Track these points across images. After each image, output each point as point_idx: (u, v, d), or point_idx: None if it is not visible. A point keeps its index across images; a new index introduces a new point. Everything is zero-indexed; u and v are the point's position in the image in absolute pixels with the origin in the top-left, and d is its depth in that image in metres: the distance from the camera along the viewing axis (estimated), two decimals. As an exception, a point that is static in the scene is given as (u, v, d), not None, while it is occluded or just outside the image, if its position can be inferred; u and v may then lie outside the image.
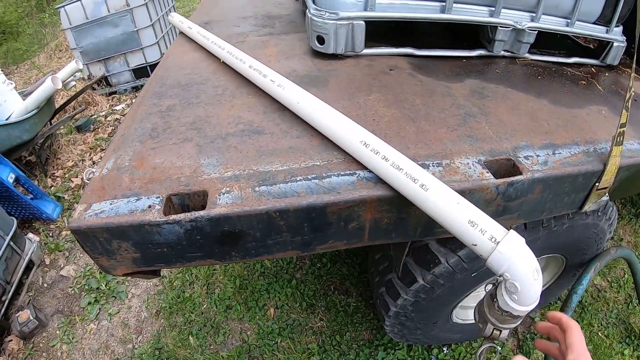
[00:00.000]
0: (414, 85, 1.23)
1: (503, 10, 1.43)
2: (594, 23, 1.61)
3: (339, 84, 1.21)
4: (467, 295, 1.53)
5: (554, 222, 1.33)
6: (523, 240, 0.68)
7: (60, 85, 2.96)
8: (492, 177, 0.88)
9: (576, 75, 1.55)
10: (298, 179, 0.82)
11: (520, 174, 0.94)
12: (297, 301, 2.26)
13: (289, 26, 1.73)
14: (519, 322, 0.73)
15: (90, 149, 3.73)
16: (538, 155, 1.03)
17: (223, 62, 1.37)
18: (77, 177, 3.37)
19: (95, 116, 4.15)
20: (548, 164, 1.01)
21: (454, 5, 1.37)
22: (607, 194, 1.18)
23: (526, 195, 0.96)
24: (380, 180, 0.81)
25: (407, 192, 0.74)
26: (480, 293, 1.67)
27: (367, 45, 1.41)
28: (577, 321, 2.10)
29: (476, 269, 1.31)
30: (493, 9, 1.41)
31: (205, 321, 2.23)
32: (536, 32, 1.49)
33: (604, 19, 1.60)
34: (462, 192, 0.83)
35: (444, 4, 1.35)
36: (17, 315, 2.26)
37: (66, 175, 3.41)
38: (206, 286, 2.42)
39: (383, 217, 0.84)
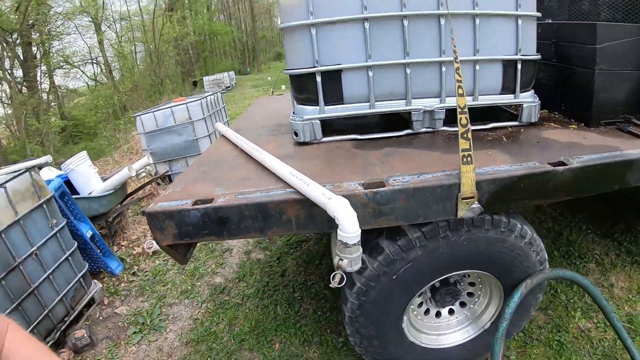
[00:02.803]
0: (344, 154, 2.00)
1: (414, 100, 2.00)
2: (501, 93, 2.03)
3: (301, 156, 2.03)
4: (405, 306, 1.84)
5: (450, 233, 1.64)
6: (346, 200, 1.38)
7: (134, 174, 4.05)
8: (361, 188, 1.55)
9: (490, 136, 1.98)
10: (256, 191, 1.59)
11: (384, 187, 1.53)
12: (298, 338, 2.76)
13: (288, 129, 2.56)
14: (354, 254, 1.34)
15: (150, 226, 4.68)
16: (404, 179, 1.56)
17: (240, 150, 2.24)
18: (138, 247, 4.26)
19: (157, 203, 5.19)
20: (409, 182, 1.53)
21: (377, 102, 2.06)
22: (477, 203, 1.50)
23: (394, 202, 1.51)
24: (296, 192, 1.54)
25: (304, 190, 1.47)
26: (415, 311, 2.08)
27: (326, 135, 2.19)
28: (554, 359, 2.23)
29: (395, 271, 1.69)
30: (405, 100, 2.04)
31: (223, 348, 2.77)
32: (444, 110, 2.01)
33: (509, 89, 2.02)
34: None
35: (368, 103, 2.09)
36: (73, 332, 2.80)
37: (130, 245, 4.32)
38: (229, 325, 2.98)
39: (300, 213, 1.54)
